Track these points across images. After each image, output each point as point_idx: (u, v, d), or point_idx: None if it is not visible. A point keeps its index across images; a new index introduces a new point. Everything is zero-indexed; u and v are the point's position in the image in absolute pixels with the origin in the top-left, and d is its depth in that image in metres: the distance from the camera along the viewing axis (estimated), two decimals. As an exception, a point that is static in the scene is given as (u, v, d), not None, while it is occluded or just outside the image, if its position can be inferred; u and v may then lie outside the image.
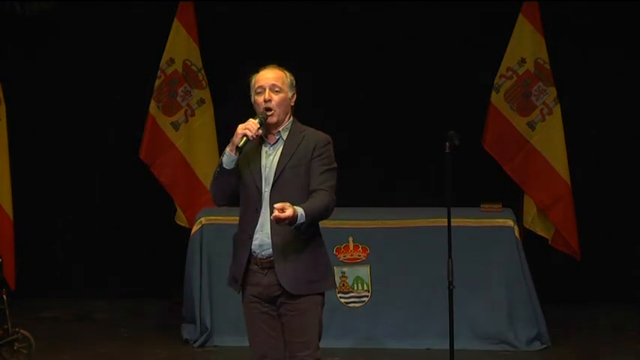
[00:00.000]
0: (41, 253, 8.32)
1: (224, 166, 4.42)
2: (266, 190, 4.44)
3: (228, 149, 4.41)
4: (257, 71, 4.53)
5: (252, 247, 4.44)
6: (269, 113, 4.42)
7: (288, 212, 4.19)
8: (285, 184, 4.41)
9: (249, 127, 4.37)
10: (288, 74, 4.53)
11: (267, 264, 4.43)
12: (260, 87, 4.45)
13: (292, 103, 4.53)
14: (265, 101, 4.42)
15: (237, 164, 4.43)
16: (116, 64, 8.08)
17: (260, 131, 4.40)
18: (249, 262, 4.47)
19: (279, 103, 4.44)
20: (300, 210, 4.26)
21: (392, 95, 7.99)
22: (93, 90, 8.17)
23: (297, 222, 4.25)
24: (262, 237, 4.42)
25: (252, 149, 4.49)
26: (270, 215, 4.25)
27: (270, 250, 4.41)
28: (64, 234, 8.44)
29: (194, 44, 7.54)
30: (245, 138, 4.36)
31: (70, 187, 8.34)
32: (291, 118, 4.54)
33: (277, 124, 4.47)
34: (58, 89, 8.23)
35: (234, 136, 4.38)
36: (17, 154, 7.33)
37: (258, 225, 4.43)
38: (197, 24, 7.55)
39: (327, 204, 4.40)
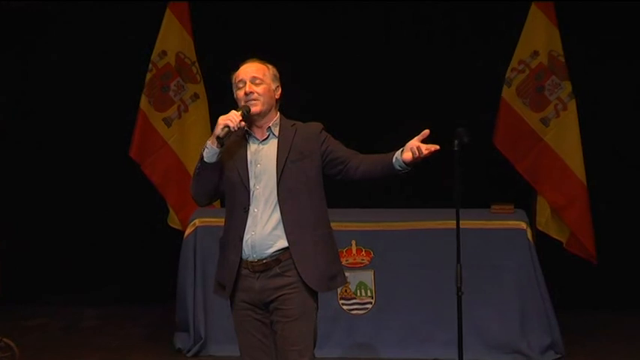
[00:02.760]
0: (26, 258, 8.31)
1: (205, 159, 4.44)
2: (257, 187, 4.45)
3: (209, 142, 4.45)
4: (238, 68, 4.58)
5: (244, 249, 4.43)
6: (252, 102, 4.45)
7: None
8: (290, 179, 4.44)
9: (231, 117, 4.40)
10: (270, 67, 4.58)
11: (260, 267, 4.44)
12: (240, 81, 4.53)
13: (277, 97, 4.57)
14: (246, 94, 4.47)
15: (219, 159, 4.44)
16: (105, 57, 8.08)
17: (243, 123, 4.42)
18: (239, 265, 4.47)
19: (262, 94, 4.48)
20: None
21: (398, 91, 8.00)
22: (80, 85, 8.18)
23: None
24: (255, 238, 4.42)
25: (237, 146, 4.51)
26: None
27: (267, 250, 4.42)
28: (50, 238, 8.43)
29: (187, 36, 7.55)
30: (227, 129, 4.38)
31: (55, 188, 8.35)
32: (279, 114, 4.57)
33: (262, 115, 4.50)
34: (43, 85, 8.24)
35: (216, 127, 4.40)
36: (1, 155, 7.36)
37: (248, 225, 4.43)
38: (190, 14, 7.56)
39: None
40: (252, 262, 4.44)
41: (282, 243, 4.43)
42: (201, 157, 4.45)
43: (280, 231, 4.42)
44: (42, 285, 8.32)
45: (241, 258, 4.45)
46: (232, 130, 4.39)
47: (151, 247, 8.09)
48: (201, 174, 4.48)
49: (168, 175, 7.57)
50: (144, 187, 7.68)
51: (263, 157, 4.49)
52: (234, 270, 4.47)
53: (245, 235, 4.44)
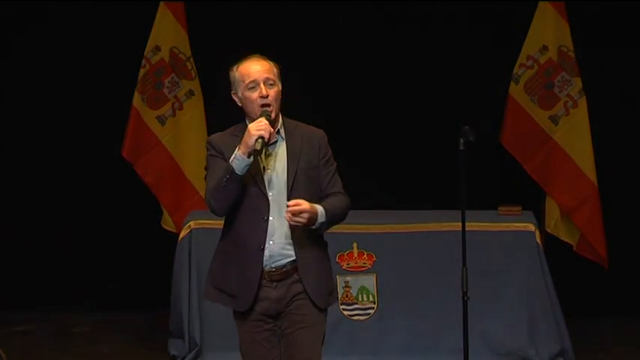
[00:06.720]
0: (15, 261, 8.25)
1: (236, 172, 4.31)
2: (271, 194, 4.42)
3: (239, 152, 4.31)
4: (238, 63, 4.51)
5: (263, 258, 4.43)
6: (269, 109, 4.39)
7: (304, 207, 4.26)
8: (301, 187, 4.43)
9: (264, 127, 4.30)
10: (275, 65, 4.52)
11: (278, 276, 4.44)
12: (253, 81, 4.42)
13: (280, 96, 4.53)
14: (262, 97, 4.39)
15: (249, 170, 4.36)
16: (96, 52, 8.02)
17: (272, 130, 4.36)
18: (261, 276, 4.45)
19: (276, 98, 4.44)
20: (319, 208, 4.33)
21: (400, 88, 7.95)
22: (70, 82, 8.10)
23: (318, 221, 4.34)
24: (272, 247, 4.42)
25: None
26: (285, 216, 4.30)
27: (283, 260, 4.43)
28: (39, 241, 8.34)
29: (182, 30, 7.51)
30: (261, 139, 4.27)
31: (45, 189, 8.27)
32: (279, 112, 4.53)
33: (274, 120, 4.43)
34: (30, 82, 8.17)
35: (246, 138, 4.29)
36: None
37: (268, 234, 4.42)
38: (185, 8, 7.52)
39: (346, 205, 4.52)
40: (268, 271, 4.43)
41: None
42: (231, 169, 4.31)
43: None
44: (29, 291, 8.24)
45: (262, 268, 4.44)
46: (267, 140, 4.30)
47: (144, 251, 8.02)
48: (228, 186, 4.34)
49: (162, 175, 7.54)
50: (136, 188, 7.65)
51: (273, 163, 4.47)
52: (256, 281, 4.44)
53: (265, 245, 4.42)
